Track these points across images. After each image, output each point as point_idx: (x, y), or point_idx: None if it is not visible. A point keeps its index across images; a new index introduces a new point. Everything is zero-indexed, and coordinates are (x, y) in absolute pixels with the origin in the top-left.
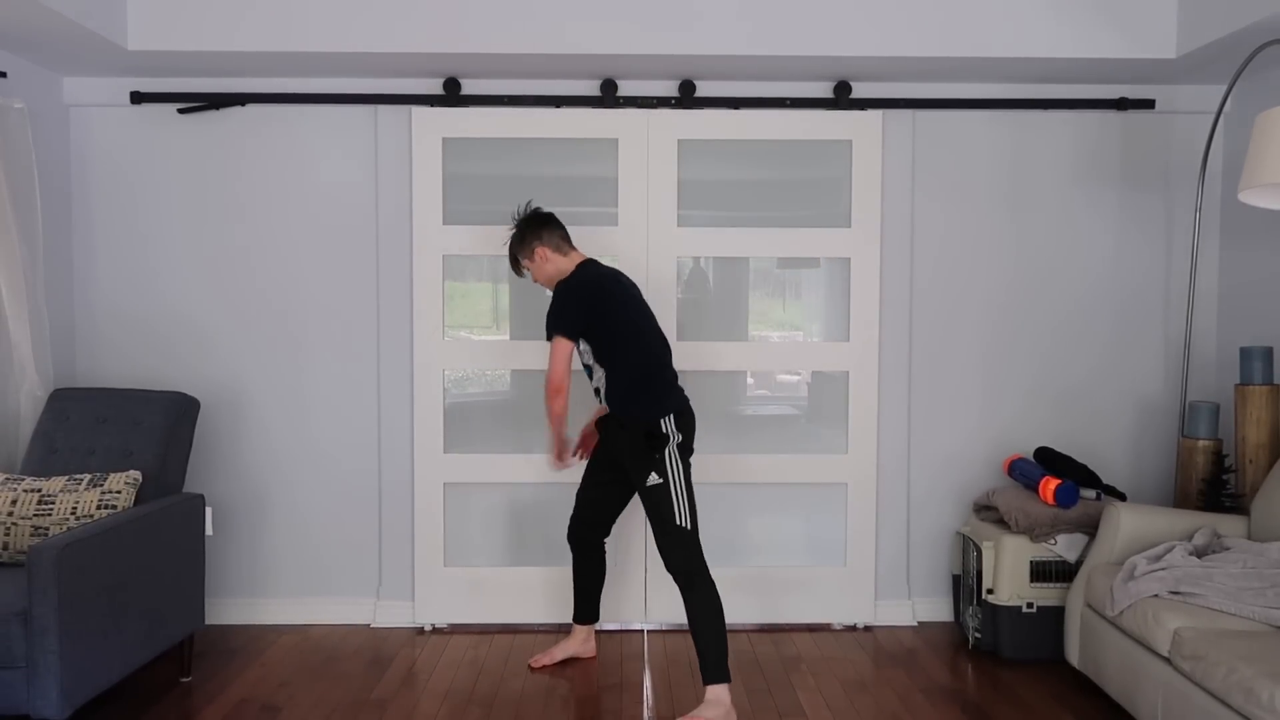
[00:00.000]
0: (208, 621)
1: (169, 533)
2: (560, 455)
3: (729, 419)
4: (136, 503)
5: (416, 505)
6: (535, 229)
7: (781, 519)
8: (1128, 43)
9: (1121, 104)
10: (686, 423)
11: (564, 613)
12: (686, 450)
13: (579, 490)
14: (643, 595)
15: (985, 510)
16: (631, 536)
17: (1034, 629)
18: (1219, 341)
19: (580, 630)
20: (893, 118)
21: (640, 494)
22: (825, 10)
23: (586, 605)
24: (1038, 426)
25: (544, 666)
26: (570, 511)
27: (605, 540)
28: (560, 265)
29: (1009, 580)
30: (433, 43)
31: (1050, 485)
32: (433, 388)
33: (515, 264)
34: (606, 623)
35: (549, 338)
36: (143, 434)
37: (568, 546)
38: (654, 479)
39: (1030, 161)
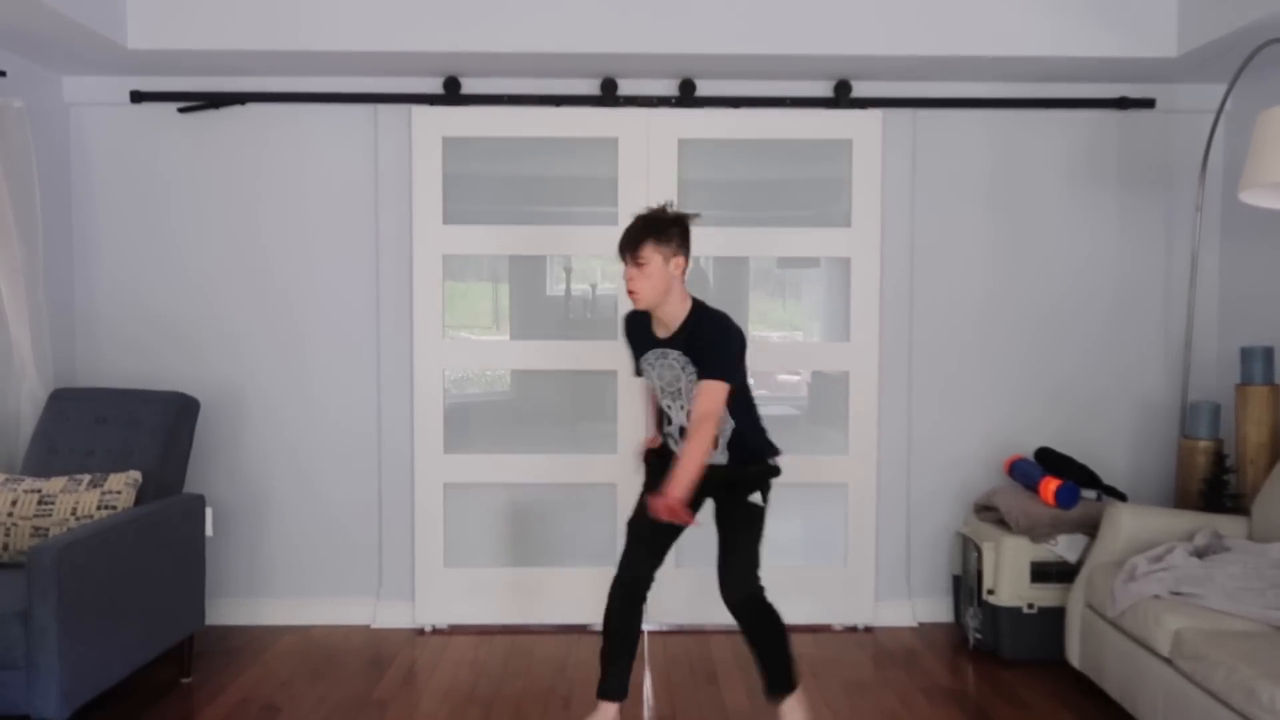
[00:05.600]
0: (208, 622)
1: (169, 533)
2: (681, 509)
3: None
4: (136, 503)
5: (416, 505)
6: (686, 234)
7: (781, 519)
8: (1128, 42)
9: (1122, 103)
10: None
11: (563, 612)
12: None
13: (639, 536)
14: None
15: (985, 511)
16: None
17: (1034, 629)
18: (1219, 341)
19: (611, 710)
20: (893, 118)
21: (730, 516)
22: (825, 9)
23: (625, 674)
24: (1038, 427)
25: None
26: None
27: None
28: (677, 291)
29: (1009, 581)
30: (433, 43)
31: (1051, 486)
32: (433, 388)
33: (634, 245)
34: None
35: (710, 375)
36: (143, 434)
37: (569, 548)
38: (757, 497)
39: (1031, 161)
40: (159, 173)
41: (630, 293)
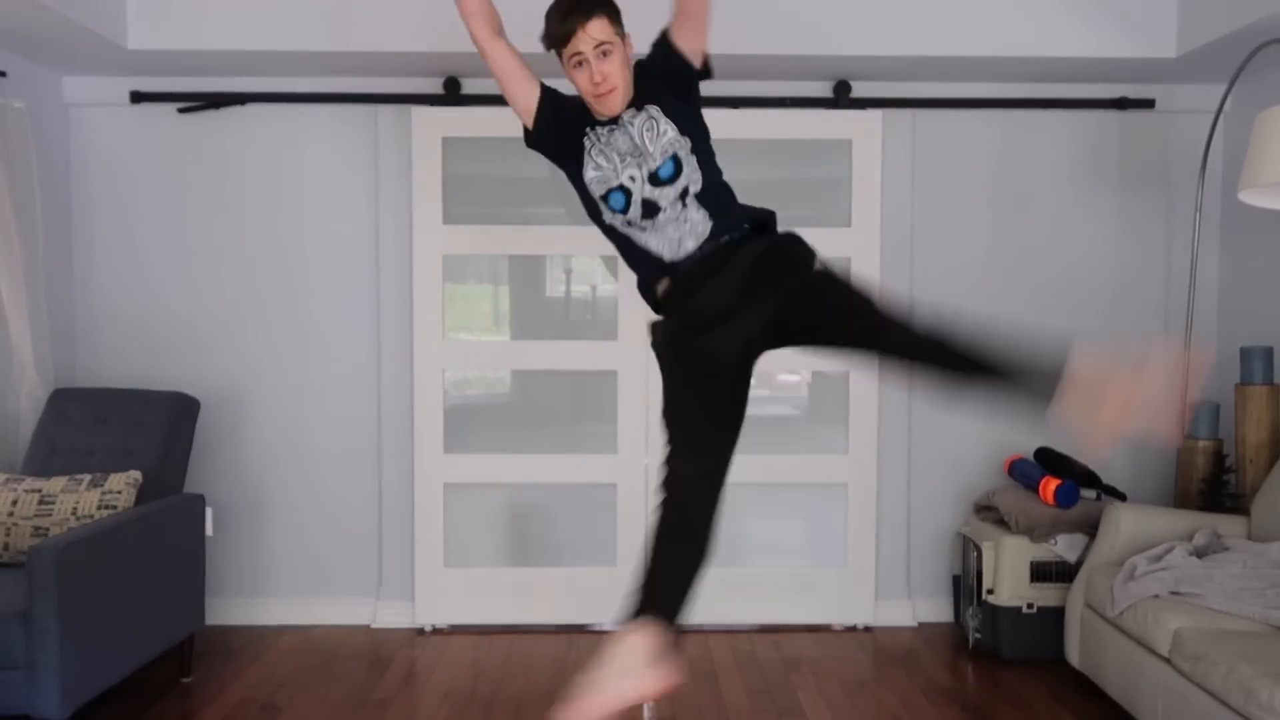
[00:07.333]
0: (208, 621)
1: (169, 533)
2: None
3: None
4: (137, 503)
5: (416, 506)
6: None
7: (781, 519)
8: (1128, 42)
9: (1121, 104)
10: None
11: (563, 613)
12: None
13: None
14: None
15: (985, 510)
16: (632, 532)
17: (1034, 629)
18: (1219, 341)
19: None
20: (893, 118)
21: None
22: (825, 9)
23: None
24: (1037, 426)
25: None
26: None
27: None
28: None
29: (1009, 580)
30: (433, 43)
31: (1050, 485)
32: (433, 388)
33: (588, 16)
34: (606, 623)
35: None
36: (143, 434)
37: (569, 548)
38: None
39: (1030, 161)
40: (159, 173)
41: (603, 92)
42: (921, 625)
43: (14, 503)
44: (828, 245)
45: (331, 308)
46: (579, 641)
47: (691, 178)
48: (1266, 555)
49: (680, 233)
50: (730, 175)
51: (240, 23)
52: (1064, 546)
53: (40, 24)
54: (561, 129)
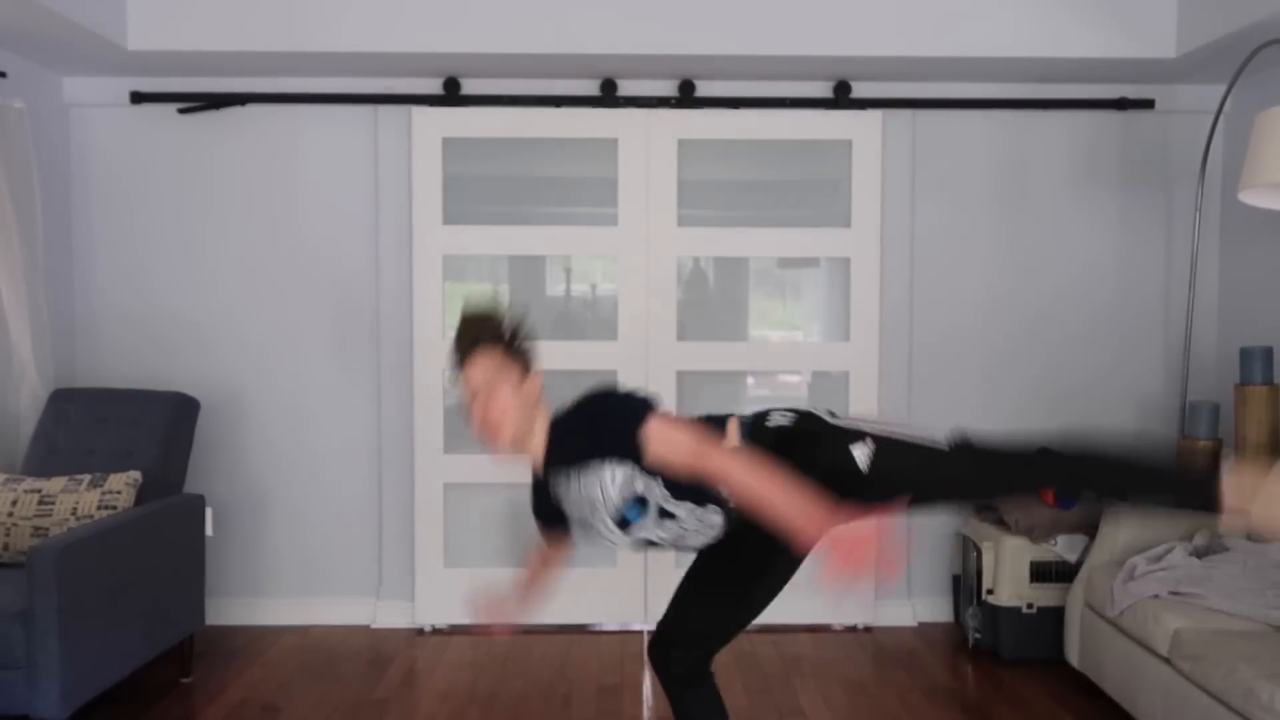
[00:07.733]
0: (208, 621)
1: (169, 533)
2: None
3: None
4: (137, 503)
5: (416, 506)
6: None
7: None
8: (1128, 43)
9: (1121, 104)
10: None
11: (563, 613)
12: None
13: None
14: (643, 595)
15: (985, 511)
16: None
17: (1034, 629)
18: (1219, 341)
19: None
20: (893, 118)
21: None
22: (825, 10)
23: None
24: (1038, 426)
25: None
26: None
27: None
28: (532, 415)
29: (1009, 581)
30: (433, 43)
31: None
32: (433, 388)
33: (467, 353)
34: (606, 623)
35: (635, 430)
36: (143, 434)
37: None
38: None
39: (1030, 161)
40: (159, 173)
41: (486, 433)
42: (921, 625)
43: (14, 503)
44: (828, 245)
45: (331, 307)
46: (579, 641)
47: (655, 500)
48: (1266, 555)
49: (689, 537)
50: (731, 175)
51: (240, 23)
52: (1064, 546)
53: (40, 24)
54: (549, 502)
